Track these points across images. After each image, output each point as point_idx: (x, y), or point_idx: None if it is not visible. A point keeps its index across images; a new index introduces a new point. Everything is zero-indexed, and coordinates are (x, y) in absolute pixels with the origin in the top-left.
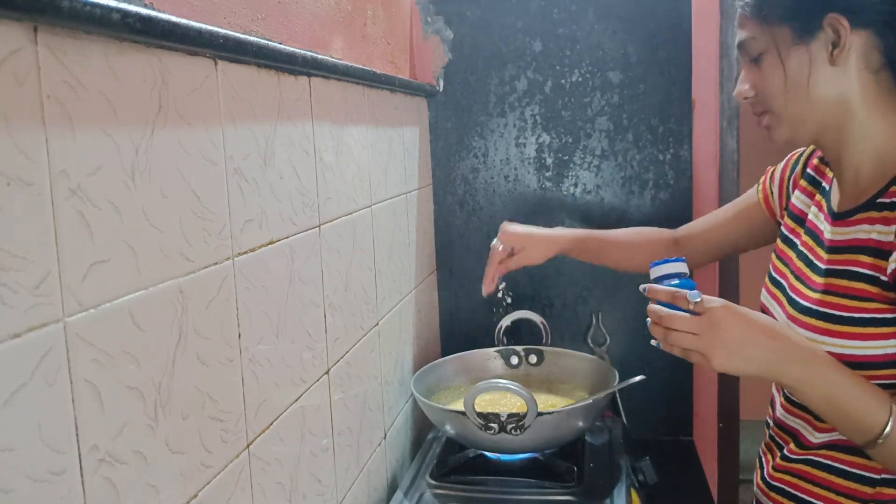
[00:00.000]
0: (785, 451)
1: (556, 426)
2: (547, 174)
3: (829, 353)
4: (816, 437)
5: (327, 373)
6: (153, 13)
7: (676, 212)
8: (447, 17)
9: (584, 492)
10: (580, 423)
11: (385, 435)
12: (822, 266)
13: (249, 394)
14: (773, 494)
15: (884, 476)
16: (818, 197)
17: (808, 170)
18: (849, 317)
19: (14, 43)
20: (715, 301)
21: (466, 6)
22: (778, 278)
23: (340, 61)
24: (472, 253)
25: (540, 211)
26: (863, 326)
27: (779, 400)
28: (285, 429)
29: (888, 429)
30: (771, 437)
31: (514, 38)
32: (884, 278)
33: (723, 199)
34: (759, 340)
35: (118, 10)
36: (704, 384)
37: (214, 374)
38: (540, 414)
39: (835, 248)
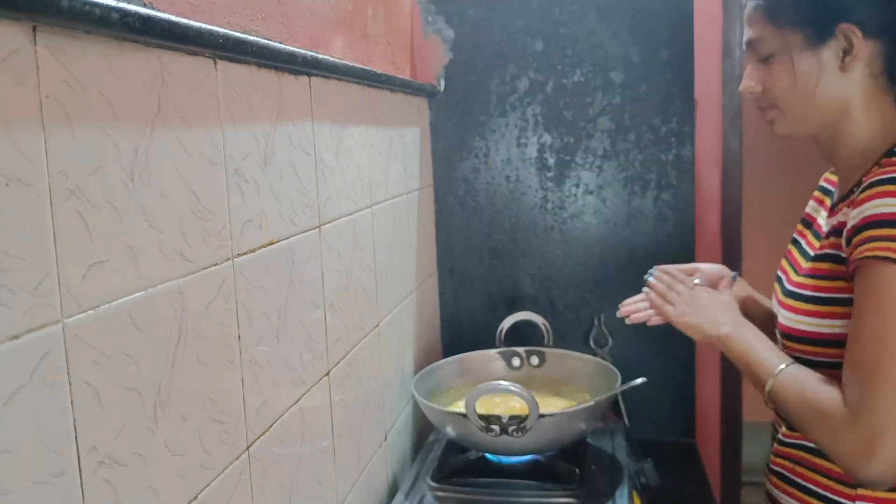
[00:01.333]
0: (779, 435)
1: (557, 428)
2: (548, 174)
3: (807, 332)
4: None
5: (327, 374)
6: (152, 13)
7: (678, 213)
8: (448, 16)
9: (586, 494)
10: (582, 425)
11: (386, 437)
12: (812, 252)
13: (249, 395)
14: (774, 479)
15: None
16: (827, 202)
17: (822, 183)
18: (820, 297)
19: (13, 43)
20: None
21: (467, 6)
22: (780, 274)
23: (340, 61)
24: (473, 253)
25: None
26: (831, 305)
27: None
28: (285, 430)
29: (768, 386)
30: (773, 424)
31: (515, 37)
32: (843, 255)
33: (725, 200)
34: (714, 305)
35: (117, 10)
36: (707, 386)
37: (214, 376)
38: (541, 416)
39: (823, 236)
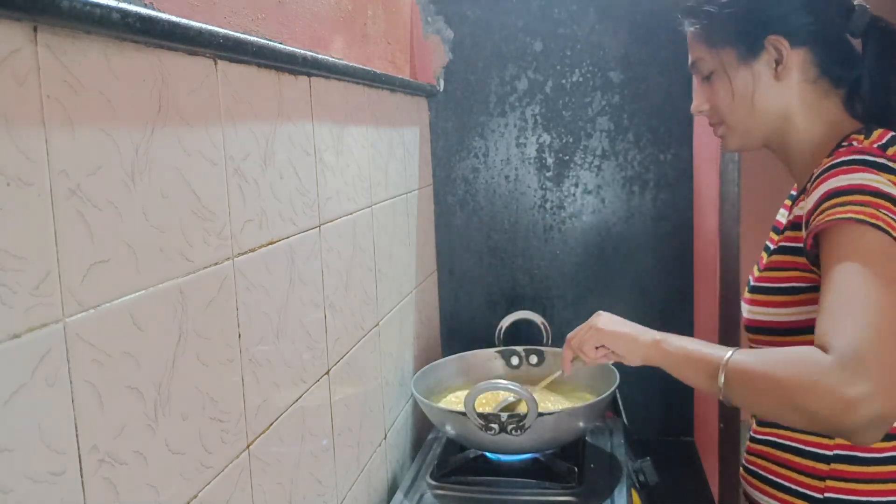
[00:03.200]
0: (751, 433)
1: (556, 427)
2: (547, 174)
3: (767, 322)
4: None
5: (327, 373)
6: (153, 13)
7: (677, 212)
8: (447, 16)
9: (585, 492)
10: (581, 424)
11: (385, 435)
12: (772, 247)
13: (249, 394)
14: (748, 477)
15: (836, 452)
16: (790, 204)
17: (792, 191)
18: (779, 287)
19: (14, 43)
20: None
21: (467, 6)
22: (749, 277)
23: (340, 61)
24: (472, 253)
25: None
26: (789, 294)
27: None
28: (285, 429)
29: (722, 371)
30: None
31: (514, 37)
32: (800, 245)
33: (723, 199)
34: (618, 321)
35: (118, 10)
36: None
37: (214, 375)
38: (540, 414)
39: (781, 230)
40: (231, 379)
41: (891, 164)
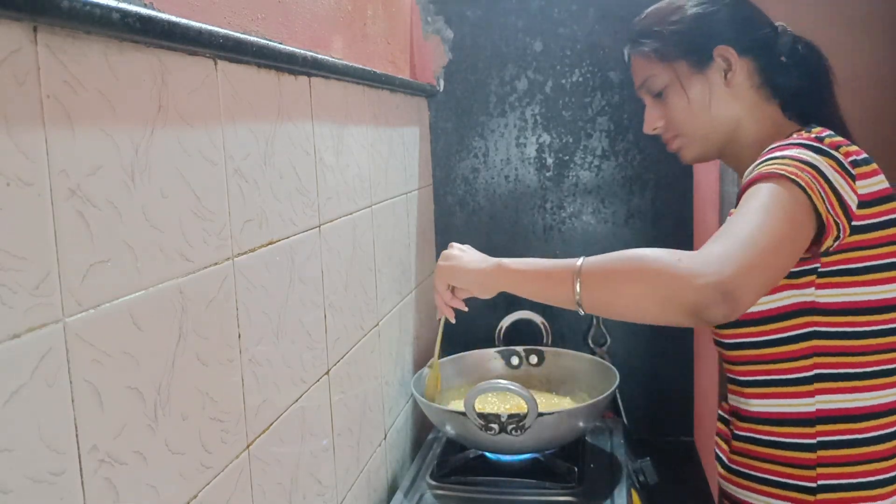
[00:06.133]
0: (733, 430)
1: (556, 427)
2: (547, 174)
3: None
4: (745, 404)
5: (327, 373)
6: (153, 13)
7: (677, 212)
8: (447, 16)
9: (585, 492)
10: (581, 424)
11: (385, 435)
12: None
13: (249, 394)
14: (734, 478)
15: (819, 440)
16: None
17: None
18: None
19: (14, 43)
20: None
21: (467, 6)
22: None
23: (340, 61)
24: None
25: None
26: None
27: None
28: (285, 429)
29: (578, 276)
30: (721, 419)
31: (514, 37)
32: None
33: (723, 199)
34: (457, 255)
35: (118, 10)
36: (705, 385)
37: (214, 375)
38: (540, 414)
39: None
40: (231, 379)
41: (824, 147)
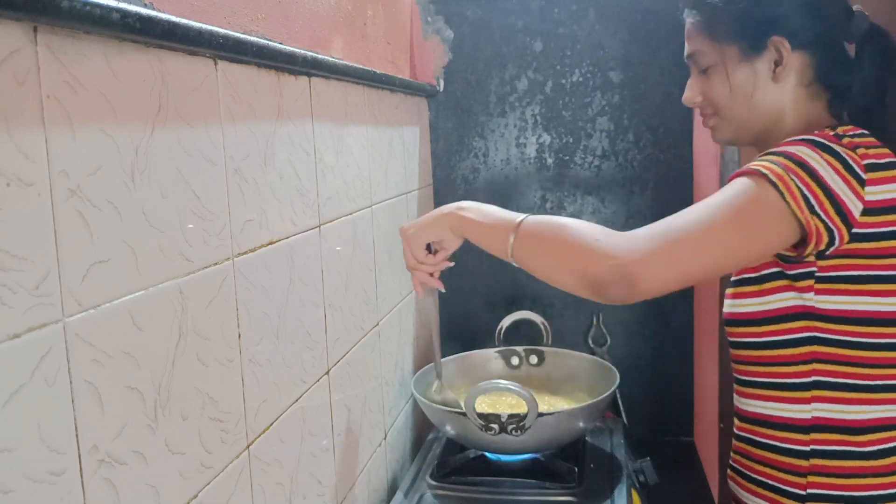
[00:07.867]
0: (734, 429)
1: (556, 427)
2: (547, 174)
3: (733, 313)
4: (745, 404)
5: (327, 373)
6: (153, 13)
7: (677, 212)
8: (447, 16)
9: (585, 492)
10: (581, 424)
11: (385, 435)
12: None
13: (249, 394)
14: (735, 476)
15: (813, 448)
16: None
17: None
18: (752, 277)
19: (14, 43)
20: None
21: (467, 6)
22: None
23: (340, 61)
24: (472, 254)
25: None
26: (763, 283)
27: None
28: (285, 429)
29: (513, 233)
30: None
31: (514, 37)
32: None
33: None
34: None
35: (118, 10)
36: (705, 385)
37: (214, 375)
38: (541, 414)
39: None
40: (231, 379)
41: (835, 146)
